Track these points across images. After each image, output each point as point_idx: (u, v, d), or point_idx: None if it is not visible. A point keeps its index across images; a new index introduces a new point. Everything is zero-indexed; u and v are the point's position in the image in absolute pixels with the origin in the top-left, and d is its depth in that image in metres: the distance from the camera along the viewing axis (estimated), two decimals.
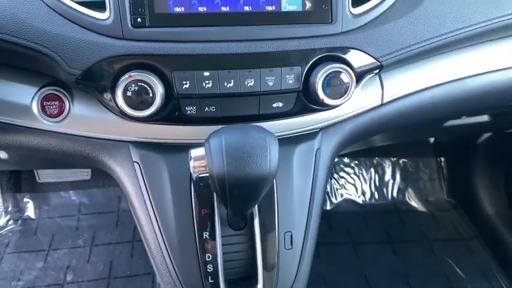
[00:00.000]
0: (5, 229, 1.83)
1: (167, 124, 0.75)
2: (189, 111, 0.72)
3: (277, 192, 0.77)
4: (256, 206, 0.75)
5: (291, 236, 0.77)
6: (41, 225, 1.84)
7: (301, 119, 0.80)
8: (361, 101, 0.84)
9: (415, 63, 0.86)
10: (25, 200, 1.90)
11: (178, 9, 0.69)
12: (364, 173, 2.04)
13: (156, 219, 0.76)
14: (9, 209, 1.87)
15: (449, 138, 2.06)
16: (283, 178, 0.78)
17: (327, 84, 0.72)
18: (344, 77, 0.72)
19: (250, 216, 0.76)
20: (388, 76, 0.85)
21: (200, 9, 0.70)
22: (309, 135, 0.82)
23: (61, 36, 0.67)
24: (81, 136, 0.78)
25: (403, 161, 2.09)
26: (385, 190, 2.03)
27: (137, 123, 0.75)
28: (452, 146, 2.07)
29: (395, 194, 2.03)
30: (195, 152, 0.64)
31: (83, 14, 0.67)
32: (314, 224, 0.80)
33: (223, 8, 0.70)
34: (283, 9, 0.72)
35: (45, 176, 1.86)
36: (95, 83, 0.70)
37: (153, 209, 0.76)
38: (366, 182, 2.04)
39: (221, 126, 0.68)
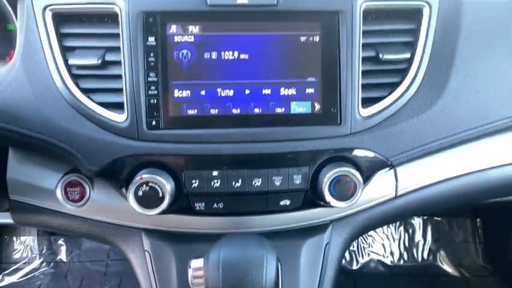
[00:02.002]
0: (38, 271, 1.91)
1: (178, 214, 0.77)
2: (198, 207, 0.75)
3: None
4: None
5: None
6: (72, 269, 1.91)
7: (310, 211, 0.80)
8: (374, 193, 0.83)
9: (432, 155, 0.84)
10: (59, 242, 1.98)
11: (191, 112, 0.73)
12: (393, 231, 1.97)
13: None
14: (44, 251, 1.96)
15: None
16: (289, 275, 0.77)
17: (334, 186, 0.72)
18: (351, 181, 0.72)
19: None
20: (403, 168, 0.84)
21: (212, 111, 0.73)
22: (319, 228, 0.82)
23: (82, 135, 0.72)
24: (98, 221, 0.82)
25: (436, 220, 2.00)
26: (415, 251, 1.94)
27: None
28: (489, 206, 1.96)
29: (425, 256, 1.93)
30: (194, 263, 0.65)
31: (103, 116, 0.72)
32: None
33: (234, 111, 0.73)
34: (292, 112, 0.74)
35: None
36: (111, 179, 0.74)
37: None
38: (394, 241, 1.96)
39: (229, 218, 0.69)
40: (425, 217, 1.98)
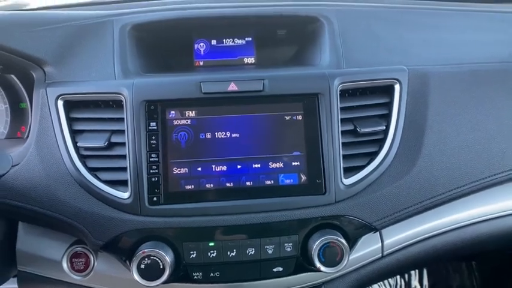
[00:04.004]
0: None
1: (177, 283, 0.82)
2: (195, 277, 0.80)
3: None
4: None
5: None
6: None
7: (302, 275, 0.85)
8: (361, 255, 0.89)
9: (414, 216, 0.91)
10: None
11: (188, 187, 0.80)
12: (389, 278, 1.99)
13: None
14: None
15: None
16: None
17: (322, 253, 0.78)
18: (338, 247, 0.78)
19: None
20: (387, 229, 0.90)
21: (208, 186, 0.80)
22: None
23: (89, 212, 0.79)
24: None
25: (431, 265, 2.02)
26: None
27: None
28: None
29: None
30: None
31: (108, 193, 0.79)
32: None
33: (228, 184, 0.80)
34: (280, 183, 0.81)
35: None
36: (115, 252, 0.80)
37: None
38: None
39: (225, 284, 0.75)
40: None
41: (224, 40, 1.10)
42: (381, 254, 0.90)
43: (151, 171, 0.79)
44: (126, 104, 0.80)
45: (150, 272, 0.76)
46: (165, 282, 0.77)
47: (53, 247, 0.88)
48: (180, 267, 0.79)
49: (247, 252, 0.79)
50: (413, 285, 1.97)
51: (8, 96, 1.04)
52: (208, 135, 0.81)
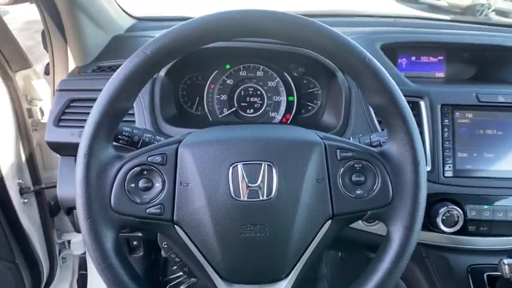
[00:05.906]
0: None
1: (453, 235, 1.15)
2: (470, 229, 1.13)
3: None
4: None
5: None
6: None
7: None
8: None
9: None
10: None
11: (467, 167, 1.14)
12: None
13: None
14: None
15: None
16: None
17: None
18: None
19: None
20: None
21: (481, 167, 1.14)
22: None
23: None
24: None
25: None
26: None
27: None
28: None
29: None
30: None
31: None
32: None
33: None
34: None
35: None
36: None
37: None
38: None
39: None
40: None
41: (421, 57, 1.45)
42: None
43: (445, 153, 1.13)
44: (426, 106, 1.14)
45: (449, 222, 1.09)
46: (455, 232, 1.11)
47: None
48: (462, 222, 1.13)
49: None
50: None
51: (287, 91, 1.38)
52: (481, 131, 1.15)
